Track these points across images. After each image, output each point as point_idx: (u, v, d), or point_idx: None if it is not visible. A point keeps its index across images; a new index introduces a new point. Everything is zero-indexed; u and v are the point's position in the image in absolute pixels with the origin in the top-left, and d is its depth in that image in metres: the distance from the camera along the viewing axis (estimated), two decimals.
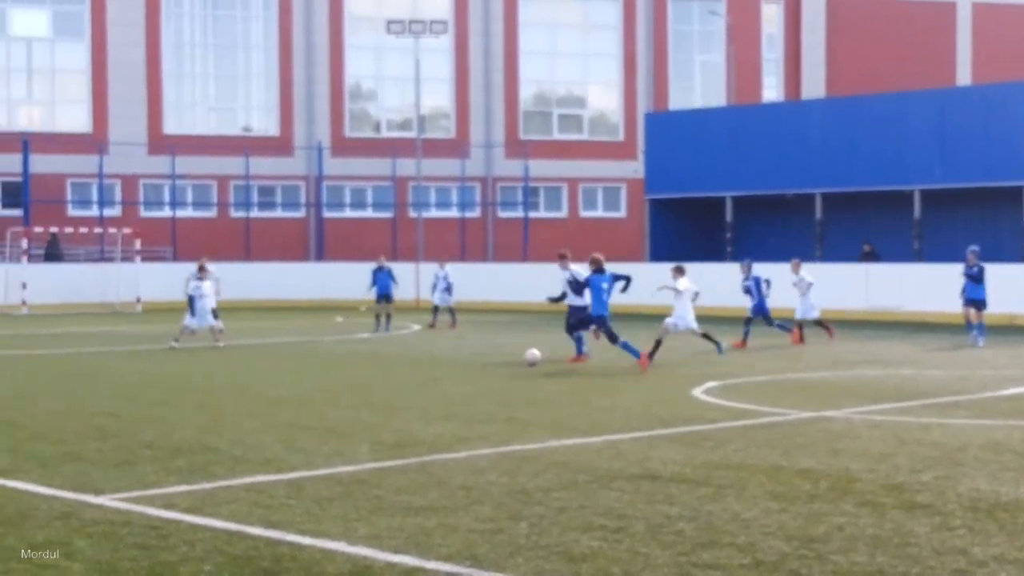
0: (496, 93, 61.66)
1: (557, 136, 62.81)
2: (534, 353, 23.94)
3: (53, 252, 52.47)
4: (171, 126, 59.01)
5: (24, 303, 45.07)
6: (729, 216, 48.17)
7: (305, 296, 50.61)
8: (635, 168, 60.40)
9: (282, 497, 11.17)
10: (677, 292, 25.31)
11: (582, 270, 24.85)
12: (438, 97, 61.63)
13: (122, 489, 11.54)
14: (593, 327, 24.15)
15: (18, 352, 28.37)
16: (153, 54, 58.66)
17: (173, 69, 59.51)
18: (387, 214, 60.09)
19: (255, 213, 58.78)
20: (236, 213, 58.84)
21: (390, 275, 36.13)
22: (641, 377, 22.19)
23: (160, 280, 49.96)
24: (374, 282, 36.01)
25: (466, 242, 59.33)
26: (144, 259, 51.89)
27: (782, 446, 14.00)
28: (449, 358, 26.48)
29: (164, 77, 59.03)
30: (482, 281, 47.97)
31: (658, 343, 24.56)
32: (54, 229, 46.88)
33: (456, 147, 60.31)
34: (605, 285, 23.77)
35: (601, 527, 9.88)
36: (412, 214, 58.77)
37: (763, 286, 30.02)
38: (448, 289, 37.38)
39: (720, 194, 48.38)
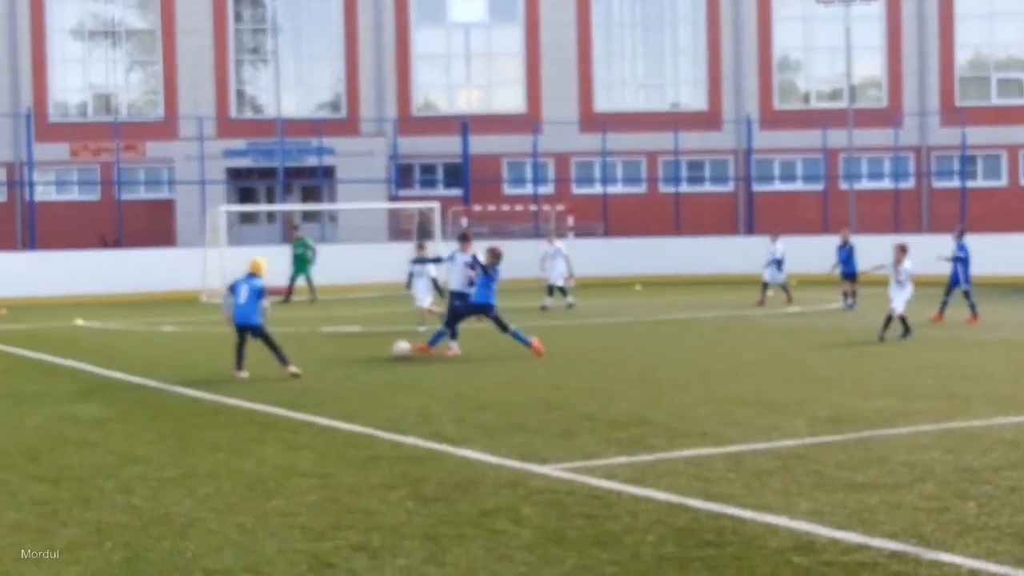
0: (930, 59, 59.65)
1: (996, 101, 60.20)
2: (402, 347, 21.65)
3: (424, 230, 54.16)
4: (602, 104, 59.98)
5: (571, 276, 46.66)
6: None
7: (734, 270, 50.48)
8: None
9: (721, 470, 11.20)
10: None
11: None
12: (869, 65, 60.16)
13: (565, 459, 11.85)
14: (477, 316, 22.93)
15: (461, 327, 29.43)
16: (584, 34, 59.77)
17: (603, 48, 60.46)
18: (817, 186, 59.18)
19: (684, 188, 59.05)
20: (665, 188, 59.28)
21: (851, 252, 33.37)
22: None
23: (591, 255, 50.97)
24: (841, 259, 33.39)
25: (900, 214, 57.74)
26: (576, 235, 53.00)
27: None
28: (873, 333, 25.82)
29: (594, 56, 60.05)
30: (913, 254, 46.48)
31: None
32: (431, 205, 48.11)
33: (888, 116, 58.71)
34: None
35: None
36: (843, 186, 57.66)
37: None
38: (777, 264, 35.64)
39: None
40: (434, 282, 27.19)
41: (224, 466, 11.79)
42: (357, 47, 58.89)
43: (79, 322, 31.47)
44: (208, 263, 41.10)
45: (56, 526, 9.47)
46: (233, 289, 19.59)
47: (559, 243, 37.29)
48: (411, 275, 27.53)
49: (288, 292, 40.37)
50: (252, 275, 19.53)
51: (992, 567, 7.93)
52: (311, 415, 15.00)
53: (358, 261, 47.42)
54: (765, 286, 35.75)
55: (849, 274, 32.86)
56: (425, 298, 27.16)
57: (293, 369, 18.81)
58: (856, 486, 10.41)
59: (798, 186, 60.18)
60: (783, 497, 10.03)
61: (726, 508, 9.66)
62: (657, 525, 9.14)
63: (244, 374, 19.02)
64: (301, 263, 40.96)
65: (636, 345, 24.05)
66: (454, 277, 24.12)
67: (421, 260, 27.56)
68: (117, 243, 52.56)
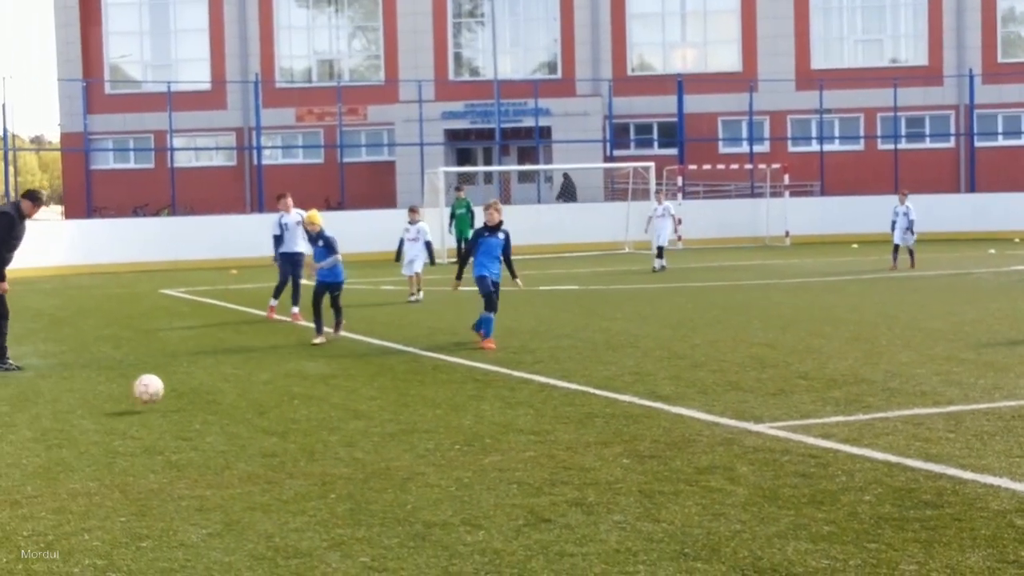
0: None
1: None
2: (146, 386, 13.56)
3: (568, 191, 53.91)
4: (818, 61, 59.06)
5: (680, 238, 46.75)
6: None
7: (957, 228, 49.31)
8: None
9: (940, 430, 11.04)
10: None
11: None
12: None
13: (780, 418, 11.82)
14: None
15: (677, 285, 29.48)
16: None
17: (820, 3, 59.44)
18: None
19: (903, 145, 57.80)
20: (884, 145, 58.12)
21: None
22: None
23: (807, 214, 50.38)
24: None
25: None
26: (792, 194, 52.39)
27: None
28: None
29: (811, 12, 59.11)
30: None
31: None
32: (646, 165, 47.92)
33: None
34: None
35: None
36: None
37: None
38: (909, 227, 33.52)
39: None
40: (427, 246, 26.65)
41: (443, 422, 12.06)
42: (573, 7, 59.03)
43: (303, 282, 32.26)
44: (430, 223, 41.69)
45: (283, 477, 9.84)
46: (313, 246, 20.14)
47: (668, 203, 36.67)
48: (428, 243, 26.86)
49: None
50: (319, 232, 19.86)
51: None
52: (528, 373, 15.21)
53: (575, 221, 47.70)
54: (896, 248, 33.63)
55: None
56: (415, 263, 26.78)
57: (320, 340, 19.20)
58: None
59: (1022, 142, 58.38)
60: (1005, 458, 9.85)
61: (946, 469, 9.53)
62: (874, 485, 9.07)
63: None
64: (463, 223, 41.20)
65: (853, 304, 23.72)
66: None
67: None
68: (340, 205, 53.74)
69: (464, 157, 58.84)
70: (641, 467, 9.88)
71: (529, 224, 44.32)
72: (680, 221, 40.63)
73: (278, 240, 23.61)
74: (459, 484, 9.45)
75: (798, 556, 7.44)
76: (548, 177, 56.38)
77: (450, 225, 41.08)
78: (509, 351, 17.41)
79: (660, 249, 34.87)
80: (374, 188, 57.06)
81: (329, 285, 19.83)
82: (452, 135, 57.76)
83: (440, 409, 12.81)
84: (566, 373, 15.09)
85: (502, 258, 18.33)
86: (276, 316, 23.50)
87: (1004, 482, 9.07)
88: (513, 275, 18.49)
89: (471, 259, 18.45)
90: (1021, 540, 7.63)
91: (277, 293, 23.83)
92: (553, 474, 9.70)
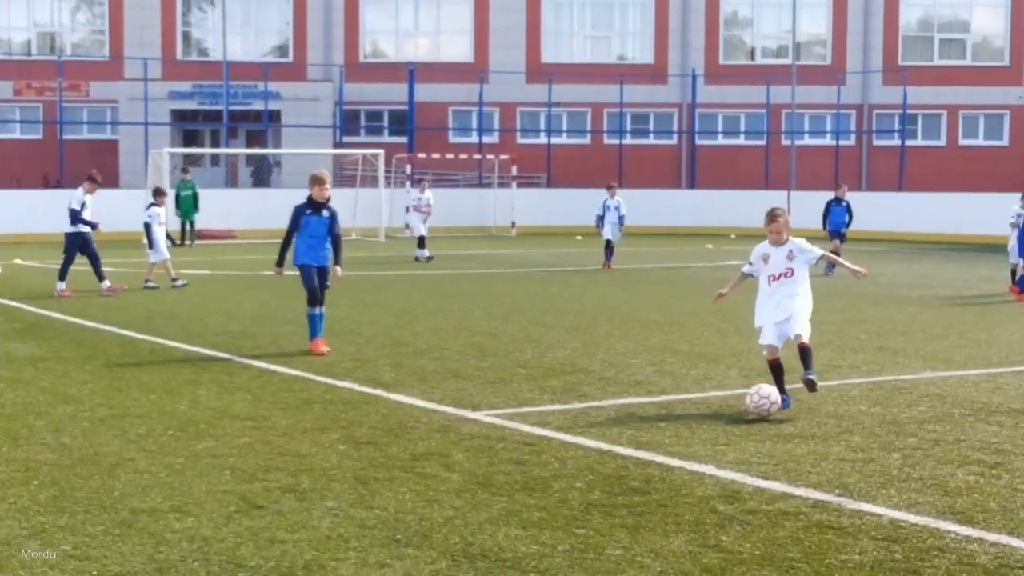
0: (875, 18, 59.91)
1: (938, 62, 60.54)
2: None
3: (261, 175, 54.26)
4: (548, 55, 59.88)
5: (408, 226, 46.68)
6: None
7: (676, 223, 50.73)
8: (1020, 95, 57.77)
9: (652, 419, 11.30)
10: None
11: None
12: (814, 23, 60.34)
13: (497, 406, 11.92)
14: None
15: (402, 273, 29.51)
16: None
17: None
18: (760, 142, 59.44)
19: (628, 140, 59.14)
20: (610, 140, 59.35)
21: (847, 210, 31.07)
22: (1023, 310, 21.37)
23: (534, 205, 51.11)
24: (827, 215, 31.33)
25: (840, 170, 58.07)
26: (520, 185, 53.03)
27: None
28: (817, 287, 25.99)
29: (543, 6, 59.88)
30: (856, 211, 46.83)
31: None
32: (375, 152, 48.13)
33: (831, 74, 58.98)
34: None
35: (978, 462, 9.62)
36: (785, 142, 57.94)
37: None
38: (620, 222, 31.87)
39: None
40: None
41: (157, 407, 11.78)
42: None
43: (18, 261, 31.22)
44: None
45: None
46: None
47: (429, 192, 35.71)
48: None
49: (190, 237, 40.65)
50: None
51: (913, 518, 8.05)
52: (248, 358, 14.99)
53: None
54: (608, 245, 31.48)
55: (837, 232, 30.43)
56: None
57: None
58: (784, 436, 10.54)
59: (741, 141, 60.42)
60: (711, 446, 10.15)
61: (655, 456, 9.76)
62: (585, 472, 9.22)
63: None
64: (188, 206, 40.81)
65: (574, 295, 24.13)
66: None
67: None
68: (59, 183, 52.06)
69: (191, 139, 57.71)
70: (357, 453, 9.82)
71: (256, 208, 43.85)
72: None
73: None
74: (170, 470, 9.23)
75: (508, 542, 7.49)
76: (277, 161, 55.75)
77: (177, 207, 40.41)
78: (229, 335, 17.14)
79: (422, 239, 34.13)
80: (96, 167, 55.27)
81: None
82: (179, 116, 56.58)
83: (154, 394, 12.51)
84: (286, 359, 14.93)
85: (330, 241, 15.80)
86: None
87: (709, 469, 9.33)
88: (336, 260, 15.86)
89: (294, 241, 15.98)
90: (722, 525, 7.86)
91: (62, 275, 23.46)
92: (268, 460, 9.57)
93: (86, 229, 23.42)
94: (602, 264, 31.29)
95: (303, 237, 15.72)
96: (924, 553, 7.32)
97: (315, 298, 15.72)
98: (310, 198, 15.69)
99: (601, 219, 31.96)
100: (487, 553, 7.28)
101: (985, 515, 8.12)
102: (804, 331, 11.68)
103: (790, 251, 11.90)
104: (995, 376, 13.94)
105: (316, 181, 15.68)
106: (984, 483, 8.95)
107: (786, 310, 11.77)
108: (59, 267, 23.48)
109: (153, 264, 25.39)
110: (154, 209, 25.83)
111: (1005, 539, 7.60)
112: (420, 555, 7.25)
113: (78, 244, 23.41)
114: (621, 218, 31.95)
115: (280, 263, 16.18)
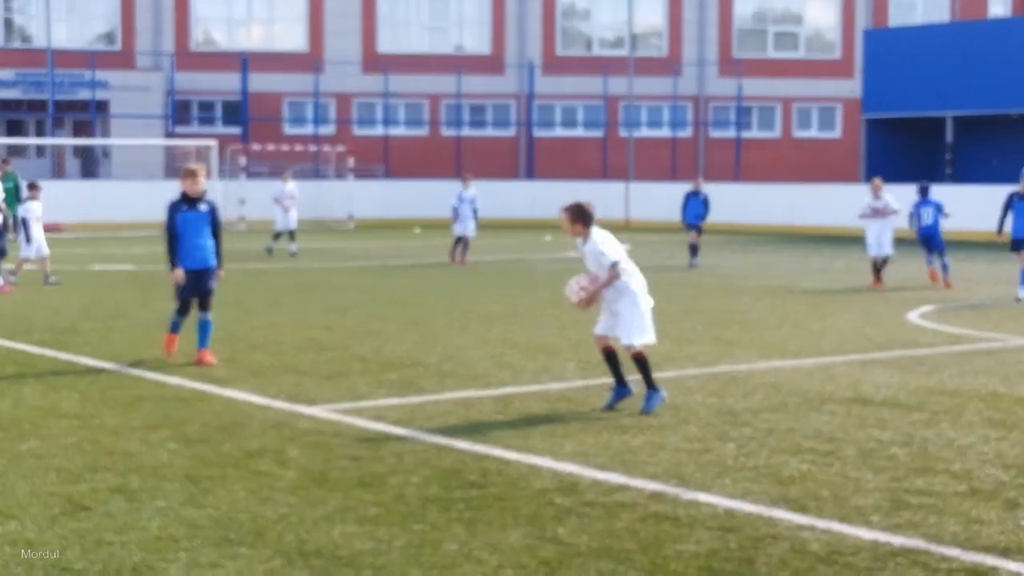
0: (710, 11, 60.70)
1: (772, 55, 61.56)
2: None
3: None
4: (385, 45, 59.52)
5: (243, 219, 46.16)
6: (949, 136, 46.97)
7: (515, 215, 50.84)
8: (851, 87, 59.04)
9: (490, 412, 11.26)
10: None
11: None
12: (651, 15, 60.89)
13: (334, 400, 11.77)
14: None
15: (235, 266, 29.07)
16: None
17: None
18: (598, 133, 59.86)
19: (466, 131, 59.11)
20: (447, 131, 59.25)
21: (705, 202, 30.46)
22: (855, 300, 21.78)
23: (372, 197, 50.82)
24: (685, 207, 30.65)
25: (677, 162, 58.78)
26: (357, 177, 52.65)
27: (1000, 372, 13.60)
28: (654, 279, 26.20)
29: None
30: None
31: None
32: (208, 143, 47.63)
33: (668, 66, 59.64)
34: None
35: (811, 450, 9.74)
36: (623, 133, 58.43)
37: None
38: (474, 215, 31.32)
39: (940, 114, 47.17)
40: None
41: None
42: None
43: None
44: None
45: None
46: None
47: (293, 184, 34.65)
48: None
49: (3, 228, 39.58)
50: None
51: (747, 507, 8.12)
52: (76, 355, 14.61)
53: (132, 199, 46.27)
54: (462, 240, 31.04)
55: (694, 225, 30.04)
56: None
57: None
58: (621, 428, 10.56)
59: (579, 132, 60.78)
60: (549, 438, 10.12)
61: (492, 450, 9.70)
62: (422, 467, 9.13)
63: None
64: (10, 198, 39.82)
65: (413, 288, 24.02)
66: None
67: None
68: None
69: (14, 128, 56.19)
70: (188, 451, 9.61)
71: (85, 200, 42.95)
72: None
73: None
74: None
75: (344, 539, 7.38)
76: (106, 152, 54.61)
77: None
78: (55, 332, 16.69)
79: (291, 233, 33.19)
80: None
81: None
82: (2, 105, 55.09)
83: None
84: (116, 355, 14.57)
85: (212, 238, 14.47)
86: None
87: (546, 462, 9.31)
88: (218, 259, 14.53)
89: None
90: (559, 517, 7.83)
91: None
92: (95, 460, 9.31)
93: None
94: (452, 260, 30.57)
95: (182, 237, 14.29)
96: (758, 541, 7.38)
97: (186, 308, 14.47)
98: (184, 193, 14.36)
99: (456, 211, 31.25)
100: (322, 551, 7.16)
101: (817, 503, 8.22)
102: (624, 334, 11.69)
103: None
104: (828, 366, 14.17)
105: (188, 174, 14.36)
106: (816, 471, 9.06)
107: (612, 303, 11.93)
108: None
109: (26, 259, 24.21)
110: (30, 203, 24.74)
111: (836, 526, 7.70)
112: (253, 554, 7.10)
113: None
114: (475, 211, 31.40)
115: (175, 265, 14.34)
